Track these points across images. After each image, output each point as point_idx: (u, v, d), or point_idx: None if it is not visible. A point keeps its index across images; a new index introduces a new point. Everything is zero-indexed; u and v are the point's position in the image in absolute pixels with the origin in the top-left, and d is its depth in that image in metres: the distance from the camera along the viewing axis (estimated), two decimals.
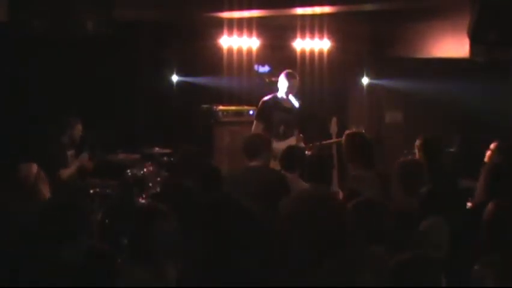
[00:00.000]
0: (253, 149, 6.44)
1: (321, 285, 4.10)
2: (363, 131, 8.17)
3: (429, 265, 3.65)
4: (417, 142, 6.63)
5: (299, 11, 9.03)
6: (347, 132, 6.75)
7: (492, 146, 6.95)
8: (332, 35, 10.18)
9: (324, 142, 8.30)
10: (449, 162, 8.80)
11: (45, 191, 5.58)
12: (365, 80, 11.11)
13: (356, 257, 4.12)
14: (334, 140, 8.25)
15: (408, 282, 3.58)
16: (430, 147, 6.52)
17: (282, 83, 8.24)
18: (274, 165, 7.79)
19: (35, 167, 5.60)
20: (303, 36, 10.14)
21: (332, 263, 4.13)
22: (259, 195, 5.56)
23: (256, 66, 10.46)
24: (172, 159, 8.49)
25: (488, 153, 6.91)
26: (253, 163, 6.40)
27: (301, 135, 8.23)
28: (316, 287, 4.15)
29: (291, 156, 6.65)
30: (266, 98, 8.35)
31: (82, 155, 8.06)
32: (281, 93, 8.26)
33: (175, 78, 10.22)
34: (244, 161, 6.53)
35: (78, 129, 8.07)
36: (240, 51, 9.91)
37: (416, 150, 6.63)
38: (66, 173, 7.91)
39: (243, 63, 10.02)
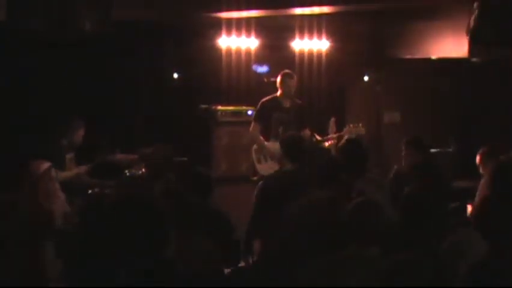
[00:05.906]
0: None
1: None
2: (362, 129, 8.20)
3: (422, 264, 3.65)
4: None
5: (298, 11, 9.02)
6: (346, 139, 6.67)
7: (478, 159, 6.79)
8: (331, 35, 10.17)
9: (326, 137, 8.29)
10: (447, 163, 8.82)
11: (53, 189, 5.67)
12: (363, 80, 11.11)
13: (347, 258, 4.12)
14: (335, 135, 8.23)
15: (402, 283, 3.57)
16: None
17: (280, 84, 8.25)
18: (272, 165, 7.80)
19: (44, 165, 5.70)
20: (301, 37, 10.12)
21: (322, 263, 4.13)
22: None
23: (254, 67, 10.45)
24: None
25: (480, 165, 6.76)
26: None
27: (309, 132, 8.24)
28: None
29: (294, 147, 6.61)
30: (265, 99, 8.36)
31: (82, 167, 8.06)
32: (279, 93, 8.28)
33: (173, 78, 10.20)
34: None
35: (79, 133, 8.03)
36: (238, 52, 9.90)
37: None
38: (62, 175, 7.88)
39: (241, 64, 10.01)
